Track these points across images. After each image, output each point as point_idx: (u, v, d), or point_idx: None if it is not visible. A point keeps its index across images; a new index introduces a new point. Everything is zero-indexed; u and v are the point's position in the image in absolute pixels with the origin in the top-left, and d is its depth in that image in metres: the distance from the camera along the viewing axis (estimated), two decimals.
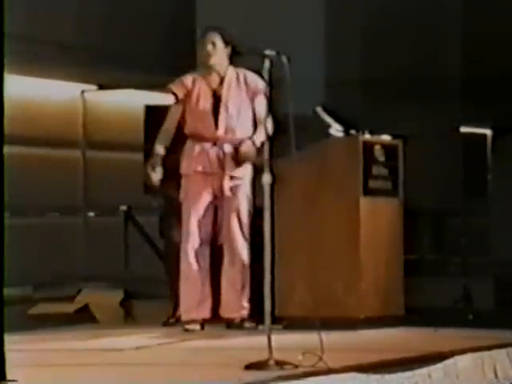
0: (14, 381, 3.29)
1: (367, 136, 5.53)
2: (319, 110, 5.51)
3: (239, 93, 5.24)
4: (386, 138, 5.66)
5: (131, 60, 6.52)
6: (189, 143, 5.26)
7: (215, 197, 5.23)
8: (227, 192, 5.19)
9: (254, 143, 5.21)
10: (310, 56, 8.10)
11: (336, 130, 5.49)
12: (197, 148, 5.21)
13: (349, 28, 8.93)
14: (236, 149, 5.19)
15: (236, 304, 5.22)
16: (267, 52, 4.31)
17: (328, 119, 5.50)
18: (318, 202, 5.39)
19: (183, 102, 5.25)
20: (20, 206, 6.26)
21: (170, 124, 5.28)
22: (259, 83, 5.25)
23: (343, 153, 5.44)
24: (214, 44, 5.20)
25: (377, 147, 5.53)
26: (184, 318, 5.21)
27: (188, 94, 5.24)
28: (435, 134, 8.55)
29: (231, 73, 5.27)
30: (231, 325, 5.24)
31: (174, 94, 5.27)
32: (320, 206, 5.38)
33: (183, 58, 7.07)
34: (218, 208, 5.25)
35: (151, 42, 6.78)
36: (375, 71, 8.86)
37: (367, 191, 5.44)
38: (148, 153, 6.35)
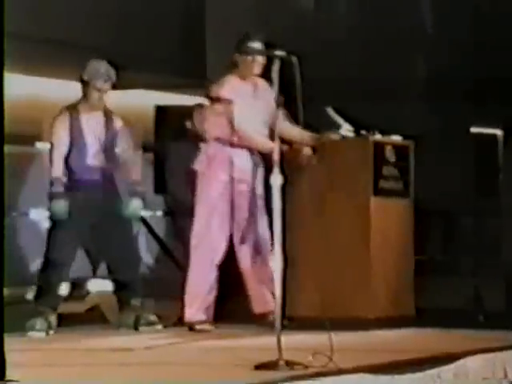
0: (14, 381, 3.28)
1: (378, 136, 5.52)
2: (329, 110, 5.51)
3: (266, 103, 5.25)
4: (396, 138, 5.65)
5: (141, 60, 6.52)
6: (215, 146, 5.27)
7: (241, 199, 5.24)
8: (260, 194, 5.20)
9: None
10: (324, 55, 8.10)
11: (346, 130, 5.48)
12: (227, 152, 5.24)
13: (359, 26, 8.91)
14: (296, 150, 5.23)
15: (268, 298, 5.20)
16: (277, 52, 4.31)
17: (338, 119, 5.49)
18: (328, 203, 5.39)
19: (225, 105, 5.26)
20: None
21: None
22: (278, 97, 5.31)
23: (354, 153, 5.43)
24: (261, 53, 5.20)
25: (388, 147, 5.53)
26: (189, 318, 5.23)
27: (234, 97, 5.25)
28: (446, 134, 8.52)
29: (261, 82, 5.29)
30: (264, 322, 5.20)
31: (218, 97, 5.28)
32: (330, 206, 5.38)
33: (193, 58, 7.08)
34: (240, 209, 5.25)
35: (161, 42, 6.78)
36: (385, 70, 8.85)
37: (378, 191, 5.43)
38: (158, 152, 6.36)
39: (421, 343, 4.64)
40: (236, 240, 5.26)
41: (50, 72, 6.28)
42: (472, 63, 8.90)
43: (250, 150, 5.19)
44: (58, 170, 5.24)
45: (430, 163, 7.73)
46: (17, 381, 3.26)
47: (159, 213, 5.87)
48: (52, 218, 5.24)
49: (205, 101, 5.61)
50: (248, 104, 5.24)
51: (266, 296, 5.23)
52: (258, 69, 5.24)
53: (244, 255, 5.26)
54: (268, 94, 5.20)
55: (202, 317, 5.23)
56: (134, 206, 5.29)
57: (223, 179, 5.21)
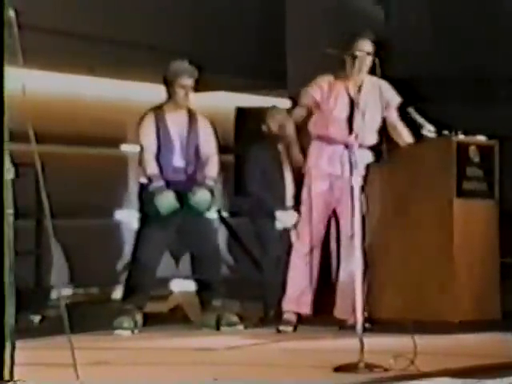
0: (14, 381, 3.31)
1: (461, 137, 5.43)
2: (411, 110, 5.44)
3: (374, 102, 5.25)
4: (481, 138, 5.55)
5: (221, 62, 6.55)
6: (316, 144, 5.31)
7: (338, 199, 5.24)
8: (357, 194, 5.19)
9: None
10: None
11: (428, 130, 5.40)
12: (328, 150, 5.25)
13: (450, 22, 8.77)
14: None
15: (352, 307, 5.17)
16: (357, 53, 4.29)
17: (420, 120, 5.42)
18: (410, 203, 5.33)
19: (317, 104, 5.30)
20: (110, 207, 6.37)
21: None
22: (394, 97, 5.37)
23: (436, 154, 5.36)
24: (363, 51, 5.14)
25: (471, 148, 5.43)
26: (284, 307, 5.27)
27: (324, 97, 5.28)
28: None
29: (368, 81, 5.26)
30: (345, 325, 5.19)
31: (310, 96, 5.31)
32: (413, 207, 5.32)
33: (273, 58, 7.08)
34: (337, 211, 5.27)
35: (240, 43, 6.80)
36: (472, 71, 8.70)
37: (461, 192, 5.35)
38: (238, 154, 6.37)
39: (506, 348, 4.53)
40: (332, 238, 5.29)
41: (132, 75, 6.37)
42: None
43: (349, 146, 5.16)
44: (154, 167, 5.32)
45: None
46: (17, 380, 3.29)
47: (239, 214, 5.91)
48: (148, 216, 5.28)
49: (284, 102, 5.61)
50: (337, 102, 5.22)
51: (350, 304, 5.19)
52: (350, 67, 5.17)
53: (343, 258, 5.24)
54: (376, 92, 5.22)
55: (291, 306, 5.26)
56: (200, 195, 5.33)
57: (323, 177, 5.24)
